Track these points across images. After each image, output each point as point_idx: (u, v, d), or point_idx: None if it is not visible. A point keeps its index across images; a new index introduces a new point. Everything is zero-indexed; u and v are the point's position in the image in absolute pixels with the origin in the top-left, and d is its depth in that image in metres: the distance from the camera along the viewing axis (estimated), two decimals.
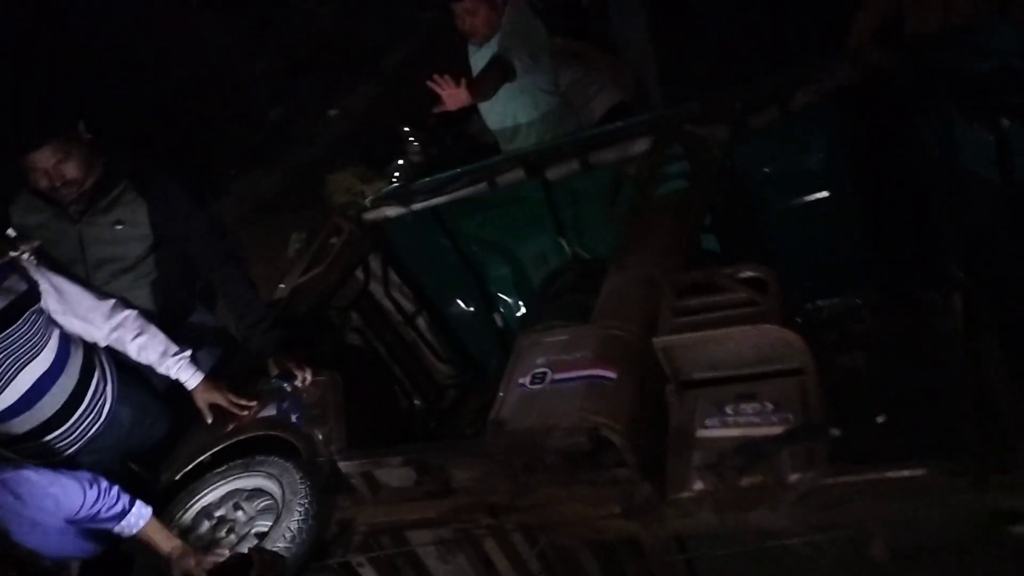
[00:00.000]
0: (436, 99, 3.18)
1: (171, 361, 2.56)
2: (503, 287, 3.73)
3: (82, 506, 2.09)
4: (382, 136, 4.93)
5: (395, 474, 2.24)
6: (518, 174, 3.26)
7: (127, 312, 2.56)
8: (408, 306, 3.63)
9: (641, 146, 2.99)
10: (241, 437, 2.48)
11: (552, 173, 3.18)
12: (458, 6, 3.34)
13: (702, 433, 2.01)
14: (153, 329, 2.57)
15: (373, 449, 2.27)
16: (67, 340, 2.53)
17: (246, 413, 2.57)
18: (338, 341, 3.11)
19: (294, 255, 4.50)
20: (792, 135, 2.98)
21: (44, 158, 2.52)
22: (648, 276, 2.33)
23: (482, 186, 3.32)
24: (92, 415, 2.59)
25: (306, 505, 2.18)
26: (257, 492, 2.32)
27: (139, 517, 2.16)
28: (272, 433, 2.45)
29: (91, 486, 2.12)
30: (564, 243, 3.54)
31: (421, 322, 3.68)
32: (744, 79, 3.07)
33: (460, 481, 2.17)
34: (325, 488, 2.27)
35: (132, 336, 2.54)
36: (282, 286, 3.18)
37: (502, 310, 3.75)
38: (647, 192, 2.68)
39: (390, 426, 3.20)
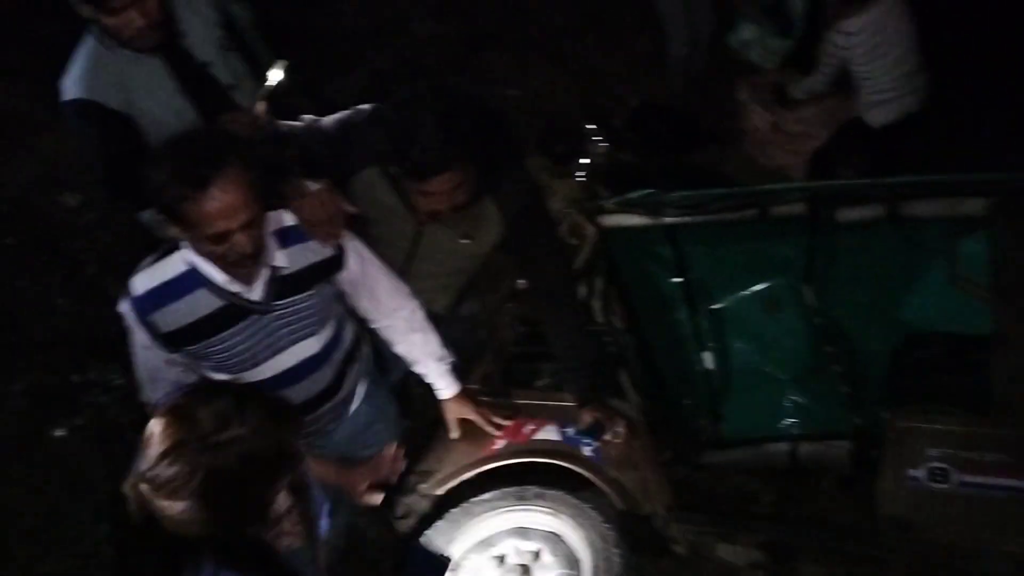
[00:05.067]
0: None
1: (433, 364, 2.24)
2: (720, 325, 3.36)
3: None
4: (564, 129, 4.56)
5: (733, 550, 1.86)
6: (798, 208, 2.89)
7: (412, 304, 2.23)
8: (618, 324, 3.25)
9: (973, 207, 2.61)
10: (520, 460, 2.10)
11: (845, 215, 2.81)
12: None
13: None
14: (429, 328, 2.25)
15: (718, 517, 1.89)
16: (342, 324, 2.18)
17: (500, 432, 2.22)
18: None
19: None
20: None
21: (441, 183, 2.07)
22: None
23: (749, 213, 2.96)
24: (335, 411, 2.24)
25: (623, 560, 1.80)
26: (548, 535, 1.94)
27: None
28: (558, 463, 2.07)
29: None
30: (809, 292, 3.17)
31: (626, 343, 3.30)
32: None
33: None
34: (635, 547, 1.90)
35: (406, 328, 2.22)
36: (521, 282, 2.81)
37: (713, 350, 3.38)
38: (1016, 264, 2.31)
39: None
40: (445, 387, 2.27)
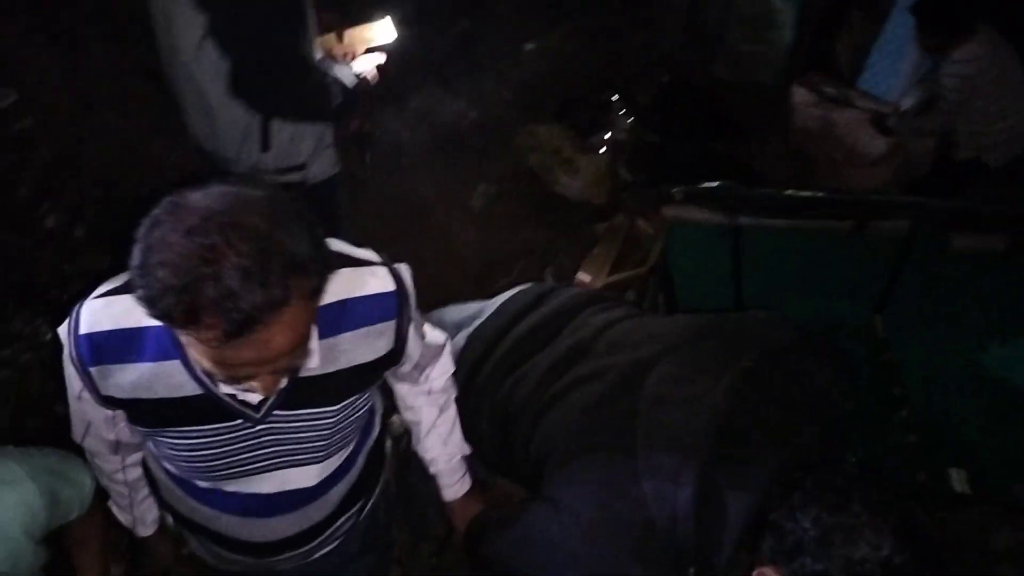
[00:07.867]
0: None
1: (456, 461, 1.70)
2: None
3: None
4: (585, 98, 4.03)
5: None
6: (900, 226, 2.47)
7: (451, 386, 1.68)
8: None
9: None
10: None
11: (962, 242, 2.40)
12: None
13: None
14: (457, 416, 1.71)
15: None
16: (364, 439, 1.57)
17: None
18: None
19: (479, 208, 3.64)
20: None
21: None
22: None
23: (843, 224, 2.52)
24: (311, 552, 1.58)
25: None
26: None
27: None
28: None
29: None
30: (877, 323, 2.77)
31: None
32: None
33: None
34: None
35: (440, 413, 1.66)
36: (587, 278, 2.29)
37: None
38: None
39: None
40: (457, 484, 1.72)
